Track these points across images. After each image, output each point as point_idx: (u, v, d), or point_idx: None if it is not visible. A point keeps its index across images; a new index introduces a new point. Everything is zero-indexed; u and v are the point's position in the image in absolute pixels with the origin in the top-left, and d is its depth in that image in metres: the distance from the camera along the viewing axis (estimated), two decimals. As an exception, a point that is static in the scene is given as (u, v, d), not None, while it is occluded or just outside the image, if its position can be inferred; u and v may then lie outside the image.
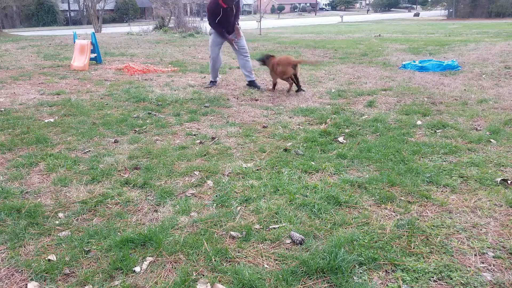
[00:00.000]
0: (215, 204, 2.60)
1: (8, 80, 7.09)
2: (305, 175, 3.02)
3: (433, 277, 1.89)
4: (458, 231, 2.25)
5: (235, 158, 3.39)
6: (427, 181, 2.86)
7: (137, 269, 1.97)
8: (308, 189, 2.77)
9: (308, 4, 76.14)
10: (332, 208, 2.50)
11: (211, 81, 6.57)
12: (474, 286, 1.82)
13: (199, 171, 3.12)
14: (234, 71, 7.94)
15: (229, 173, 3.08)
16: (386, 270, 1.94)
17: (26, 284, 1.87)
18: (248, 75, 6.34)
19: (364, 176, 2.97)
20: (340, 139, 3.80)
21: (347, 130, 4.06)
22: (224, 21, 5.95)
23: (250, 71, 6.34)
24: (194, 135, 4.04)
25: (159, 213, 2.51)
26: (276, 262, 2.02)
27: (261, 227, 2.33)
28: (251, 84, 6.34)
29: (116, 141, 3.84)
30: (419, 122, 4.26)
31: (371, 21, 36.54)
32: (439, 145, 3.53)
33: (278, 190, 2.76)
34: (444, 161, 3.23)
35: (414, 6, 70.77)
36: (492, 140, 3.64)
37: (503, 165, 3.11)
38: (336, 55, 9.92)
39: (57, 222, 2.41)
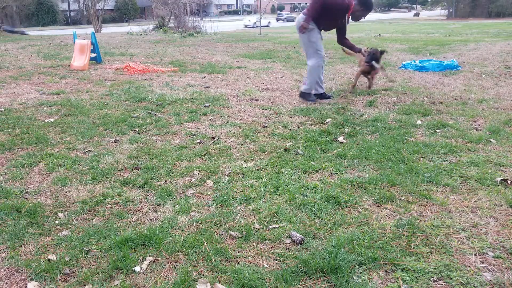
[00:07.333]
0: (215, 204, 2.60)
1: (8, 80, 7.09)
2: (305, 175, 3.02)
3: (433, 277, 1.89)
4: (458, 231, 2.25)
5: (235, 158, 3.39)
6: (427, 181, 2.86)
7: (137, 269, 1.97)
8: (308, 189, 2.77)
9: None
10: (332, 208, 2.50)
11: (322, 94, 5.34)
12: (474, 286, 1.82)
13: (199, 171, 3.12)
14: (234, 71, 7.94)
15: (229, 173, 3.08)
16: (386, 270, 1.94)
17: (26, 284, 1.87)
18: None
19: (364, 176, 2.97)
20: (340, 139, 3.80)
21: (347, 130, 4.06)
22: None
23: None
24: (194, 135, 4.04)
25: (159, 213, 2.51)
26: (276, 262, 2.02)
27: (261, 227, 2.33)
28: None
29: (116, 141, 3.84)
30: (419, 122, 4.26)
31: (371, 21, 36.51)
32: (439, 145, 3.53)
33: (278, 190, 2.76)
34: (444, 161, 3.23)
35: (414, 6, 70.71)
36: (492, 140, 3.64)
37: (503, 165, 3.11)
38: (336, 55, 9.91)
39: (57, 222, 2.41)
